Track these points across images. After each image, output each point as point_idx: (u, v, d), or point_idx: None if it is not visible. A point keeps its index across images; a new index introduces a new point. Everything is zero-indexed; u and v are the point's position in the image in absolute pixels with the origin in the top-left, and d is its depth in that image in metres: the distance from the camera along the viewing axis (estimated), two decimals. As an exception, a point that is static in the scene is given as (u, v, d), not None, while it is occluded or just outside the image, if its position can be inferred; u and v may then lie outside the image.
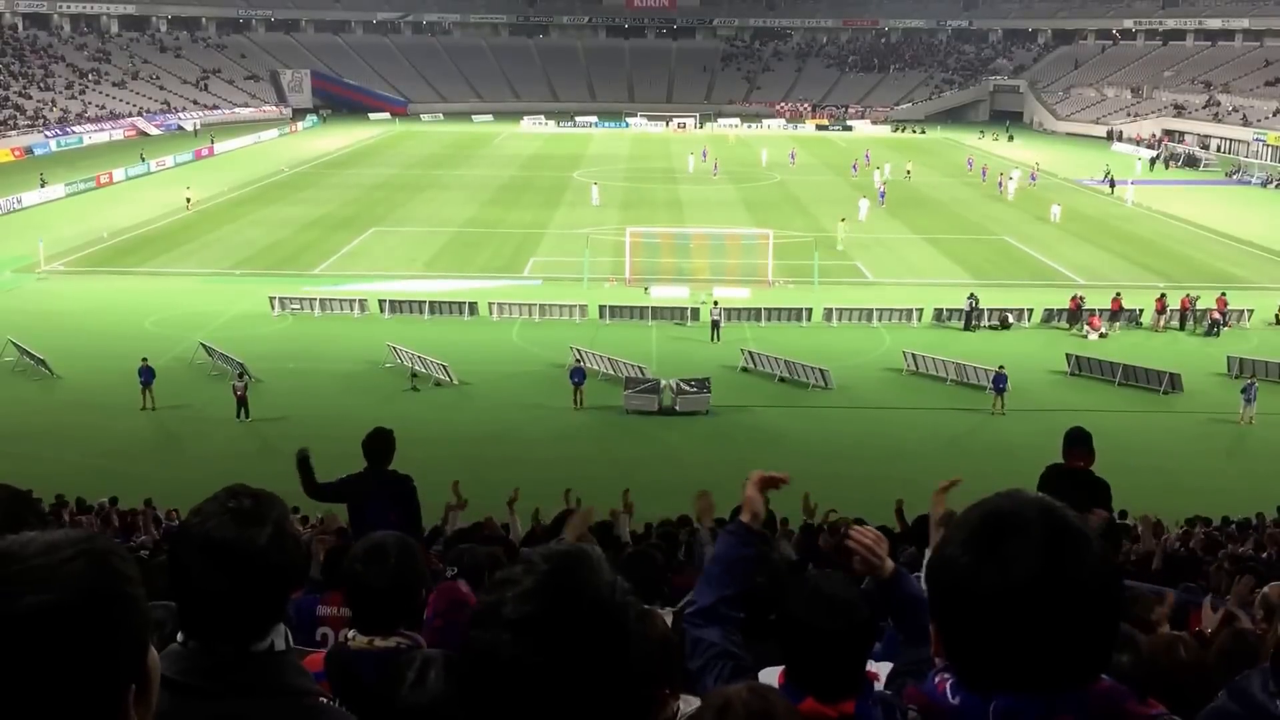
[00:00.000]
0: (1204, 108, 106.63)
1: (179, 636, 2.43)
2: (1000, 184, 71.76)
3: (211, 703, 2.32)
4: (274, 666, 2.48)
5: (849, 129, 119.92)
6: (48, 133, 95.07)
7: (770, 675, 3.56)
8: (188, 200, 63.18)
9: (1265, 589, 4.22)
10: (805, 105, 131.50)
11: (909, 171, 77.84)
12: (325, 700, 2.67)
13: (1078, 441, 9.52)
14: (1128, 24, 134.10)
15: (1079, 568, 1.91)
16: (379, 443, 9.35)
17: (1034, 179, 75.80)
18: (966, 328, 41.17)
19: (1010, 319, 41.78)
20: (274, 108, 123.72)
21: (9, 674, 1.55)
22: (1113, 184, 72.47)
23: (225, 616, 2.42)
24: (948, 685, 2.16)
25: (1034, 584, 1.90)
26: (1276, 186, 79.59)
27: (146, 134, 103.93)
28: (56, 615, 1.58)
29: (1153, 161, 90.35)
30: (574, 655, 1.62)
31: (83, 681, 1.61)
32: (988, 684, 2.00)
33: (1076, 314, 41.38)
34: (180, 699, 2.29)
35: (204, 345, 36.04)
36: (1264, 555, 13.50)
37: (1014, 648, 1.93)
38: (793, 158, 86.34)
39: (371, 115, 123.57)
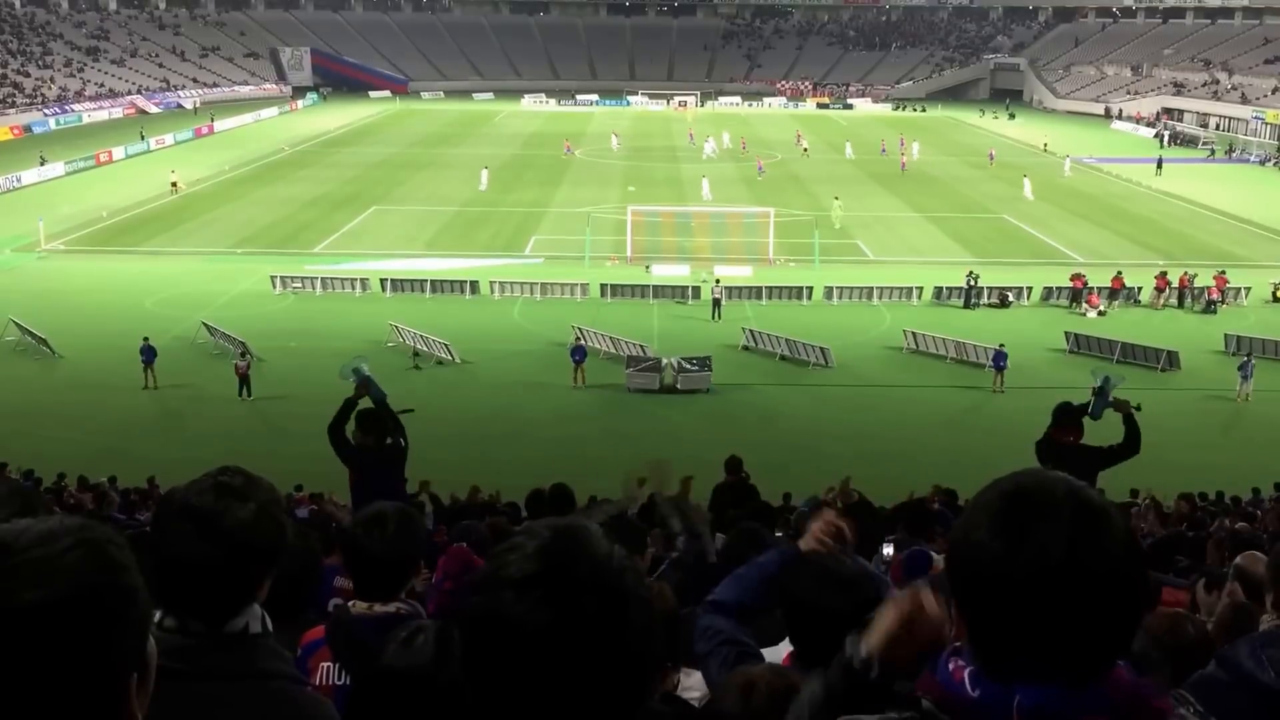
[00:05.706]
0: (1203, 86, 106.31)
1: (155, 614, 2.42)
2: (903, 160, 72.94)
3: (188, 684, 2.31)
4: (248, 649, 2.51)
5: (850, 107, 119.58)
6: (47, 111, 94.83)
7: (773, 656, 3.57)
8: (174, 185, 61.32)
9: (1238, 559, 4.26)
10: (806, 84, 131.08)
11: (744, 145, 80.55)
12: (298, 684, 2.69)
13: (1068, 416, 9.63)
14: (1128, 2, 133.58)
15: (1108, 548, 1.85)
16: (371, 421, 9.55)
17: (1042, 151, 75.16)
18: (966, 306, 41.20)
19: (1010, 297, 41.80)
20: (274, 86, 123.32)
21: (8, 669, 1.50)
22: (1160, 164, 72.78)
23: (196, 587, 2.44)
24: (965, 674, 2.02)
25: (1067, 567, 1.83)
26: (1275, 165, 79.47)
27: (146, 112, 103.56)
28: (55, 609, 1.53)
29: (1160, 139, 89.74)
30: (577, 613, 1.63)
31: (83, 674, 1.56)
32: (1012, 674, 1.92)
33: (1079, 293, 41.28)
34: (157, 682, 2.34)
35: (205, 324, 36.05)
36: (1264, 534, 13.56)
37: (1044, 634, 1.85)
38: (744, 145, 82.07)
39: (372, 93, 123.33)
